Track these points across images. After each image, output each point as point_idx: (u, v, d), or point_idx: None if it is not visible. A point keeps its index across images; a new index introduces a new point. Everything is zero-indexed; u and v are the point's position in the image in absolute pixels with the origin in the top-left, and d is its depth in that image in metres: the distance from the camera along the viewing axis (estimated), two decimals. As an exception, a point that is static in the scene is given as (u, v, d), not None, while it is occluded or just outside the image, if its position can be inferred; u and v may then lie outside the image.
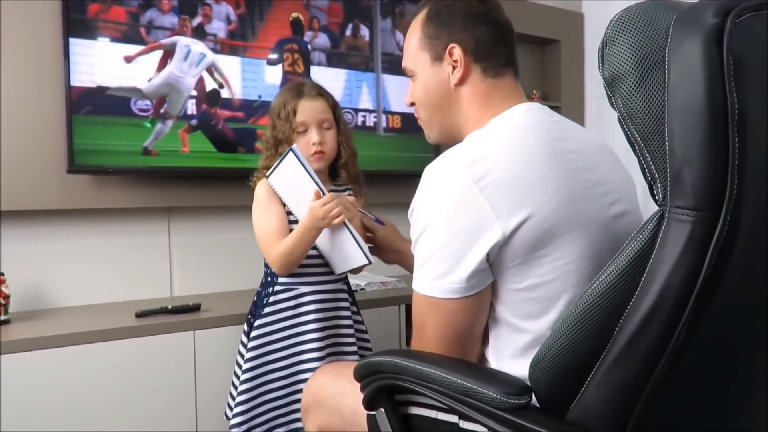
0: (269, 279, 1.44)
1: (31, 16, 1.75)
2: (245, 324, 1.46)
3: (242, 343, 1.44)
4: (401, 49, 2.11)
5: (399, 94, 2.19)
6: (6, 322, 1.60)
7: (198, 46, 1.88)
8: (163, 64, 1.83)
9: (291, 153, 1.30)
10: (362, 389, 0.97)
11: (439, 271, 0.87)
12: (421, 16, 1.05)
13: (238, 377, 1.41)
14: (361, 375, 0.97)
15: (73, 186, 1.82)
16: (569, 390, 0.72)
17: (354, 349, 1.46)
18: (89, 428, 1.49)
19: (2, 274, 1.63)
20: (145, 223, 2.00)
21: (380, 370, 0.93)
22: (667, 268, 0.61)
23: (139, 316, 1.65)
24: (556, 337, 0.73)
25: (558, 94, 2.84)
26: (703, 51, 0.58)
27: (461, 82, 1.02)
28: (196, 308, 1.73)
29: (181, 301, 1.83)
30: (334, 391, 1.11)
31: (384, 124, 2.17)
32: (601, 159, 0.95)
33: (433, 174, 0.90)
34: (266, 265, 1.44)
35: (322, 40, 2.04)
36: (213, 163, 1.97)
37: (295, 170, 1.32)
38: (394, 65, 2.17)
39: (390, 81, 2.18)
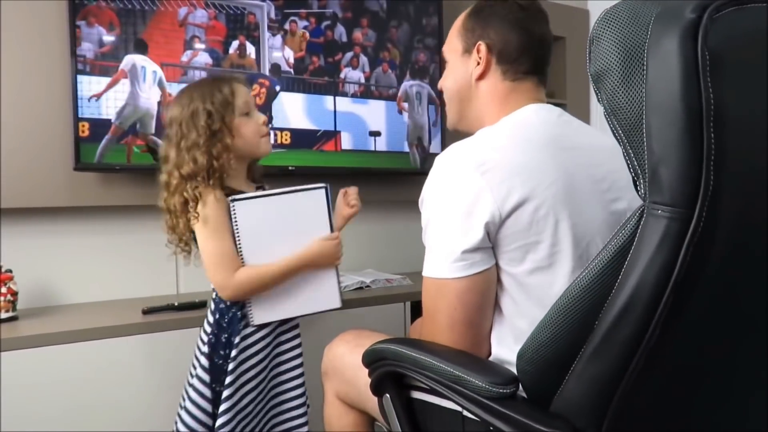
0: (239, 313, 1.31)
1: (35, 12, 1.76)
2: (206, 345, 1.32)
3: (203, 367, 1.31)
4: (290, 65, 2.12)
5: (289, 109, 2.13)
6: (14, 318, 1.63)
7: (148, 63, 1.86)
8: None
9: (324, 190, 1.29)
10: (369, 375, 1.03)
11: (443, 253, 0.91)
12: (467, 10, 1.13)
13: (204, 392, 1.31)
14: (367, 361, 1.03)
15: (80, 183, 1.84)
16: (553, 381, 0.73)
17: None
18: (96, 425, 1.50)
19: (10, 271, 1.65)
20: (152, 221, 1.94)
21: (383, 357, 0.98)
22: (642, 264, 0.61)
23: (145, 312, 1.67)
24: (540, 329, 0.74)
25: (563, 91, 2.81)
26: (679, 48, 0.58)
27: (481, 77, 1.08)
28: (202, 305, 1.73)
29: (187, 298, 1.84)
30: (352, 362, 1.14)
31: (272, 141, 2.09)
32: (607, 160, 0.97)
33: (440, 165, 0.95)
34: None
35: (203, 58, 1.98)
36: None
37: (317, 206, 1.29)
38: (285, 81, 2.12)
39: (281, 97, 2.11)
